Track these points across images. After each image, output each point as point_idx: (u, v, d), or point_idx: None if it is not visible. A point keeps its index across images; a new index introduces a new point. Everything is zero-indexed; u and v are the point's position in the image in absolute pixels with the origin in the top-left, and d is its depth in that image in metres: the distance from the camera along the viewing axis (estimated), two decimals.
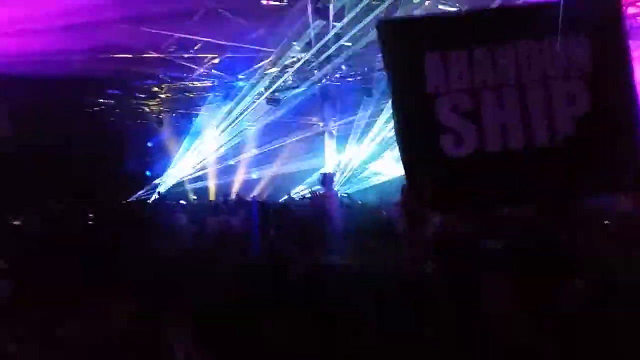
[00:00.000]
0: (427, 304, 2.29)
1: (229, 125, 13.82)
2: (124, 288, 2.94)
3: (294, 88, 13.30)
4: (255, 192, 13.83)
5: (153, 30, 10.85)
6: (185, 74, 13.10)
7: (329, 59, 12.29)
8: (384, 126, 12.93)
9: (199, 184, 14.88)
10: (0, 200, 8.40)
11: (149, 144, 16.69)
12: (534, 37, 2.70)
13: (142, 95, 14.70)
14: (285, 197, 11.92)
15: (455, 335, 2.24)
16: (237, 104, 13.31)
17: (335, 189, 7.54)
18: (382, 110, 12.68)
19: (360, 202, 7.56)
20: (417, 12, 10.47)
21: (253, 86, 12.88)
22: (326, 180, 6.39)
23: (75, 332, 2.48)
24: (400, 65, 2.80)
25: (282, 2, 10.27)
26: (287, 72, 12.41)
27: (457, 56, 2.70)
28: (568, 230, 2.80)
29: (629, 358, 2.13)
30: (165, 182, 14.58)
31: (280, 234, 4.87)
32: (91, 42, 10.81)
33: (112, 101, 14.87)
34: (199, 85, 13.54)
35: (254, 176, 15.28)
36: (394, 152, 12.19)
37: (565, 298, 2.36)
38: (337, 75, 13.36)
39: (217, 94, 13.75)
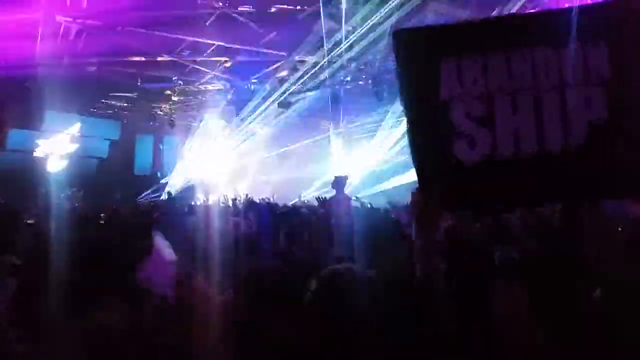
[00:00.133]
0: (436, 308, 2.27)
1: (239, 128, 13.88)
2: (133, 289, 2.95)
3: (305, 91, 13.35)
4: (265, 195, 13.87)
5: (166, 34, 10.98)
6: (197, 77, 13.23)
7: (340, 63, 12.34)
8: (394, 130, 12.92)
9: (209, 186, 14.96)
10: (15, 198, 8.52)
11: (160, 146, 16.83)
12: (551, 45, 2.65)
13: (155, 98, 14.85)
14: (295, 200, 11.95)
15: (466, 340, 2.23)
16: (249, 107, 13.38)
17: (347, 191, 7.51)
18: (392, 114, 12.68)
19: (370, 206, 7.54)
20: (429, 18, 10.51)
21: (264, 89, 12.95)
22: (338, 183, 6.39)
23: (84, 333, 2.50)
24: (414, 72, 2.79)
25: (295, 7, 10.33)
26: (299, 75, 12.46)
27: (471, 62, 2.69)
28: (583, 238, 2.78)
29: None
30: (175, 183, 14.67)
31: (290, 237, 4.86)
32: (106, 46, 10.96)
33: (126, 103, 15.02)
34: (211, 88, 13.63)
35: (264, 179, 15.34)
36: (404, 157, 12.21)
37: (579, 306, 2.35)
38: (349, 79, 13.39)
39: (228, 97, 13.83)
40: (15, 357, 2.44)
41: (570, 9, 2.68)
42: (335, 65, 12.38)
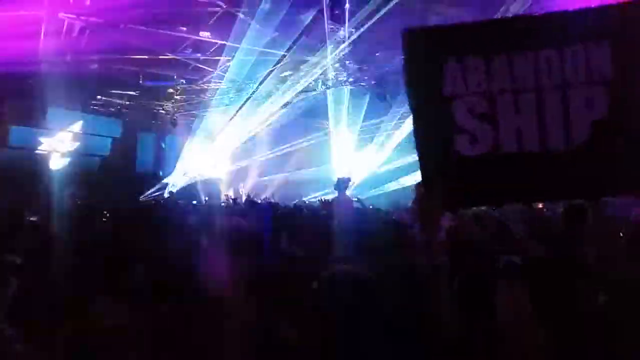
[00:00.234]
0: (437, 305, 2.28)
1: (241, 128, 13.88)
2: (135, 288, 2.95)
3: (307, 92, 13.34)
4: (266, 195, 13.86)
5: (169, 32, 10.97)
6: (200, 76, 13.23)
7: (343, 63, 12.34)
8: (397, 131, 12.90)
9: (210, 185, 14.95)
10: (17, 196, 8.52)
11: (162, 144, 16.82)
12: (554, 46, 2.69)
13: (157, 96, 14.85)
14: (297, 200, 11.93)
15: (468, 339, 2.23)
16: (251, 106, 13.37)
17: (349, 193, 7.51)
18: (394, 115, 12.67)
19: (372, 207, 7.54)
20: (433, 19, 10.50)
21: (266, 89, 12.94)
22: (341, 184, 6.38)
23: (83, 332, 2.50)
24: (420, 69, 2.87)
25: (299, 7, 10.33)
26: (301, 75, 12.45)
27: (475, 62, 2.75)
28: (586, 240, 2.79)
29: None
30: (177, 182, 14.67)
31: (292, 237, 4.85)
32: (109, 43, 10.95)
33: (128, 101, 15.02)
34: (213, 87, 13.62)
35: (265, 179, 15.32)
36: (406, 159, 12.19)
37: (580, 306, 2.35)
38: (351, 80, 13.38)
39: (231, 96, 13.82)
40: (14, 357, 2.43)
41: (573, 11, 2.72)
42: (338, 65, 12.38)
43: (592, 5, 2.87)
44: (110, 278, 3.02)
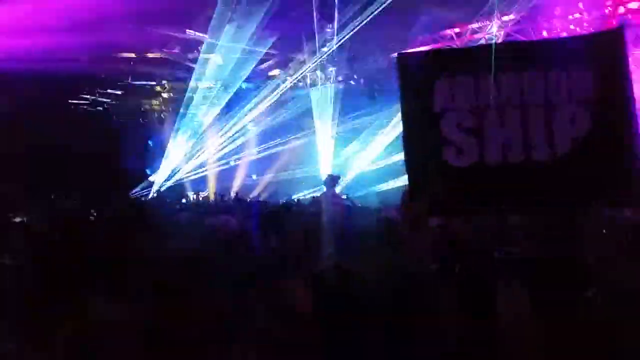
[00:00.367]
0: (430, 306, 2.31)
1: (230, 126, 13.84)
2: (127, 287, 2.95)
3: (296, 90, 13.35)
4: (254, 194, 13.83)
5: (157, 30, 10.91)
6: (188, 74, 13.16)
7: (332, 62, 12.36)
8: (387, 130, 12.94)
9: (199, 184, 14.89)
10: (4, 197, 8.41)
11: (150, 143, 16.70)
12: (539, 69, 2.94)
13: (145, 94, 14.76)
14: (285, 199, 11.92)
15: (460, 338, 2.26)
16: (239, 105, 13.34)
17: (338, 191, 7.52)
18: (384, 114, 12.70)
19: (360, 205, 7.57)
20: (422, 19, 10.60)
21: (255, 87, 12.92)
22: (331, 181, 6.40)
23: (76, 331, 2.49)
24: (413, 90, 3.12)
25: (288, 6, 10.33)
26: (290, 73, 12.45)
27: (464, 81, 3.00)
28: (579, 240, 2.86)
29: None
30: (165, 181, 14.59)
31: (281, 235, 4.86)
32: (95, 41, 10.86)
33: (115, 100, 14.90)
34: (201, 85, 13.57)
35: (254, 177, 15.28)
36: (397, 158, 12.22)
37: (576, 307, 2.39)
38: (340, 78, 13.41)
39: (218, 94, 13.78)
40: (4, 356, 2.43)
41: (557, 39, 3.04)
42: (327, 64, 12.39)
43: (577, 34, 3.22)
44: (101, 277, 3.02)
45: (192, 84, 12.79)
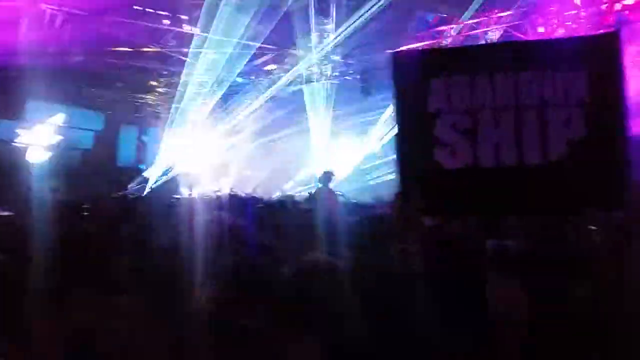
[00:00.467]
0: (418, 302, 2.29)
1: (225, 121, 13.79)
2: (119, 283, 2.92)
3: (293, 85, 13.31)
4: (249, 189, 13.80)
5: (152, 24, 10.85)
6: (183, 68, 13.08)
7: (328, 57, 12.31)
8: (382, 126, 12.93)
9: (193, 179, 14.84)
10: None
11: (145, 138, 16.65)
12: (534, 69, 2.92)
13: (140, 89, 14.68)
14: (278, 194, 11.91)
15: (448, 334, 2.24)
16: (234, 99, 13.28)
17: (332, 187, 7.51)
18: (380, 110, 12.69)
19: (354, 201, 7.56)
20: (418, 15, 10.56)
21: (251, 82, 12.86)
22: (325, 177, 6.38)
23: (62, 329, 2.46)
24: (407, 89, 3.09)
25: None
26: (286, 68, 12.40)
27: (459, 81, 2.97)
28: (573, 233, 2.85)
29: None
30: (159, 177, 14.54)
31: (276, 231, 4.83)
32: (91, 35, 10.79)
33: (110, 94, 14.83)
34: (195, 79, 13.50)
35: (249, 173, 15.26)
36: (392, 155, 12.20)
37: (569, 300, 2.38)
38: (336, 74, 13.38)
39: (214, 89, 13.71)
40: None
41: (553, 40, 2.99)
42: (323, 60, 12.35)
43: (572, 35, 3.19)
44: (93, 272, 2.98)
45: (185, 78, 12.72)
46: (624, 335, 2.18)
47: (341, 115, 14.20)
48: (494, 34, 10.24)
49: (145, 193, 13.41)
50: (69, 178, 11.56)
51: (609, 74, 2.86)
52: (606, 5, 10.33)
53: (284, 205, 6.43)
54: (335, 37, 11.14)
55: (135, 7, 10.59)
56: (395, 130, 3.13)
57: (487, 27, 10.47)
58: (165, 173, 14.45)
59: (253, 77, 13.19)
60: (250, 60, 12.42)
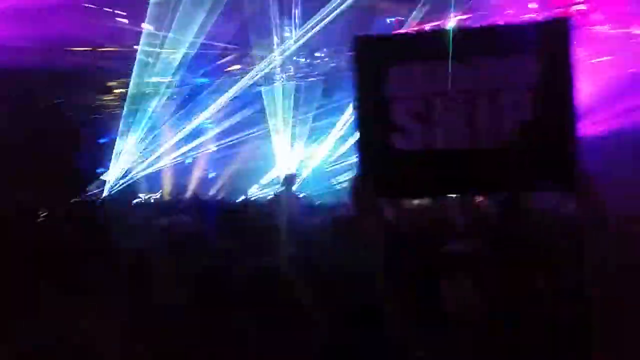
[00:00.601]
0: (372, 301, 2.32)
1: (186, 123, 13.61)
2: (77, 290, 2.86)
3: (256, 86, 13.25)
4: (211, 192, 13.65)
5: (110, 23, 10.61)
6: (144, 69, 12.83)
7: (291, 59, 12.31)
8: (345, 127, 13.01)
9: (154, 182, 14.58)
10: None
11: (102, 141, 16.23)
12: (486, 54, 3.00)
13: (98, 90, 14.32)
14: (243, 197, 11.83)
15: (405, 332, 2.27)
16: (196, 100, 13.13)
17: (295, 189, 7.51)
18: (344, 111, 12.76)
19: (318, 203, 7.59)
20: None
21: (212, 83, 12.74)
22: (288, 180, 6.38)
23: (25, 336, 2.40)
24: (366, 74, 3.14)
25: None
26: (249, 69, 12.34)
27: (415, 67, 3.05)
28: (523, 235, 2.94)
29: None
30: (118, 180, 14.21)
31: (238, 234, 4.80)
32: (44, 33, 10.48)
33: (65, 95, 14.39)
34: (157, 80, 13.27)
35: (211, 175, 15.07)
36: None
37: (526, 297, 2.44)
38: (300, 75, 13.40)
39: (175, 89, 13.51)
40: None
41: (504, 25, 3.09)
42: (286, 61, 12.35)
43: (523, 21, 3.27)
44: (53, 279, 2.92)
45: (144, 78, 12.49)
46: (580, 331, 2.25)
47: (306, 117, 14.21)
48: None
49: (104, 197, 13.10)
50: (24, 181, 11.19)
51: (559, 58, 2.95)
52: (560, 9, 10.77)
53: (247, 208, 6.39)
54: (297, 39, 11.16)
55: (90, 5, 10.34)
56: (354, 114, 3.20)
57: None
58: (125, 176, 14.15)
59: (215, 78, 13.05)
60: (213, 61, 12.30)
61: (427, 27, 10.79)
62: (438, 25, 10.84)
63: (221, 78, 12.97)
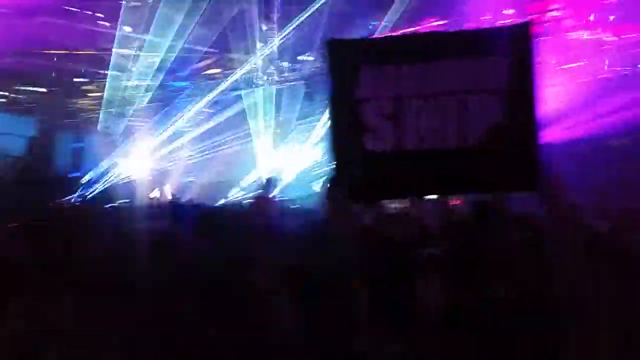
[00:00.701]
0: (346, 302, 2.35)
1: (165, 127, 13.49)
2: (48, 293, 2.84)
3: (235, 90, 13.21)
4: (190, 196, 13.54)
5: (86, 26, 10.49)
6: (121, 73, 12.70)
7: (272, 63, 12.31)
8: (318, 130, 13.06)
9: (132, 187, 14.40)
10: None
11: (79, 145, 16.01)
12: (455, 58, 3.09)
13: (74, 94, 14.12)
14: (222, 201, 11.77)
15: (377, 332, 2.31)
16: (175, 104, 13.03)
17: (275, 193, 7.49)
18: (320, 114, 12.80)
19: (298, 207, 7.61)
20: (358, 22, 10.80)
21: (191, 87, 12.66)
22: (269, 184, 6.36)
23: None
24: (339, 76, 3.21)
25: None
26: (229, 73, 12.31)
27: (386, 70, 3.12)
28: (493, 237, 3.00)
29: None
30: (95, 185, 14.03)
31: (216, 238, 4.78)
32: (22, 36, 10.31)
33: (42, 99, 14.17)
34: (134, 84, 13.14)
35: (190, 179, 14.96)
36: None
37: (486, 303, 2.48)
38: (281, 79, 13.41)
39: (154, 94, 13.39)
40: None
41: (473, 29, 3.17)
42: (266, 65, 12.35)
43: (493, 26, 3.37)
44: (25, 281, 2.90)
45: (123, 82, 12.37)
46: (542, 332, 2.31)
47: (287, 120, 14.22)
48: None
49: (80, 201, 12.91)
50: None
51: (523, 62, 3.06)
52: (534, 16, 10.98)
53: (225, 212, 6.36)
54: (274, 43, 11.17)
55: (68, 7, 10.21)
56: (328, 116, 3.26)
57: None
58: (102, 181, 13.98)
59: (194, 81, 12.99)
60: (192, 64, 12.24)
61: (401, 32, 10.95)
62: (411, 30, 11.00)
63: (201, 81, 12.91)
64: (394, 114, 3.05)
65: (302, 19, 10.92)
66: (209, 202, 10.96)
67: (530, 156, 2.91)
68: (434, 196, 3.48)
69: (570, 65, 10.69)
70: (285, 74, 13.47)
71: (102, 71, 12.68)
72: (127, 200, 13.14)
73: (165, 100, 13.30)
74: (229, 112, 13.69)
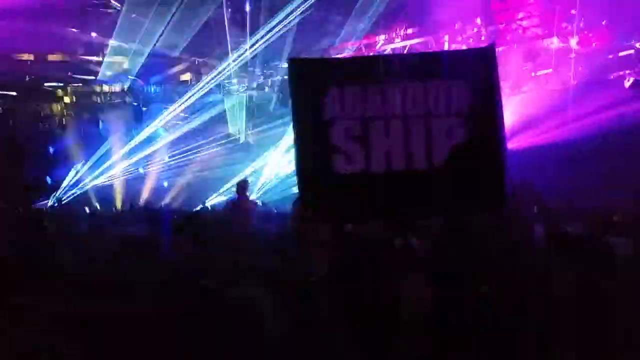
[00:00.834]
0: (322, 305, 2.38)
1: (139, 131, 13.34)
2: (21, 298, 2.80)
3: (210, 95, 13.16)
4: (166, 201, 13.39)
5: (57, 31, 10.33)
6: (93, 77, 12.54)
7: (246, 69, 12.32)
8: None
9: (106, 192, 14.17)
10: None
11: (51, 149, 15.69)
12: (419, 80, 3.14)
13: (44, 99, 13.85)
14: (199, 206, 11.67)
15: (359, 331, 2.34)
16: (149, 109, 12.91)
17: (252, 196, 7.50)
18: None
19: (275, 210, 7.60)
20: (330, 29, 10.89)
21: (166, 92, 12.58)
22: (241, 187, 6.36)
23: None
24: (303, 96, 3.19)
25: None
26: (203, 79, 12.27)
27: (352, 91, 3.12)
28: (474, 239, 3.05)
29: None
30: (67, 189, 13.76)
31: (192, 242, 4.76)
32: None
33: (11, 104, 13.86)
34: (107, 89, 12.97)
35: (165, 184, 14.79)
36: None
37: (470, 303, 2.52)
38: (254, 85, 13.42)
39: (127, 98, 13.24)
40: None
41: (437, 52, 3.24)
42: (241, 71, 12.35)
43: (454, 49, 3.43)
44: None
45: (96, 87, 12.21)
46: (523, 331, 2.36)
47: (262, 125, 14.21)
48: (403, 50, 10.78)
49: (51, 206, 12.65)
50: None
51: (485, 85, 3.14)
52: (503, 24, 11.29)
53: (200, 216, 6.33)
54: (252, 49, 11.20)
55: (40, 12, 10.03)
56: (294, 137, 3.22)
57: (394, 44, 11.03)
58: (74, 186, 13.73)
59: (168, 86, 12.90)
60: (165, 69, 12.16)
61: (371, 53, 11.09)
62: (386, 39, 11.15)
63: (174, 86, 12.83)
64: (362, 135, 3.07)
65: (273, 24, 10.95)
66: (185, 206, 10.87)
67: (495, 176, 2.99)
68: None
69: (541, 72, 10.99)
70: (260, 81, 13.51)
71: (72, 76, 12.51)
72: (101, 205, 12.93)
73: (139, 105, 13.15)
74: (204, 117, 13.63)
